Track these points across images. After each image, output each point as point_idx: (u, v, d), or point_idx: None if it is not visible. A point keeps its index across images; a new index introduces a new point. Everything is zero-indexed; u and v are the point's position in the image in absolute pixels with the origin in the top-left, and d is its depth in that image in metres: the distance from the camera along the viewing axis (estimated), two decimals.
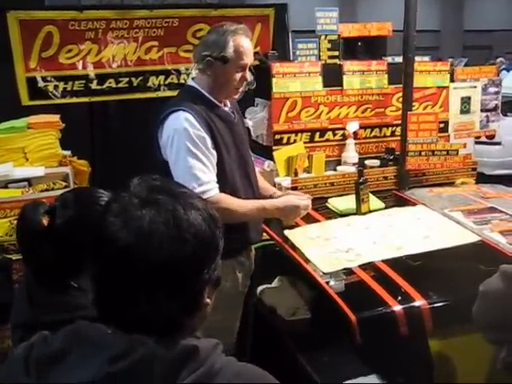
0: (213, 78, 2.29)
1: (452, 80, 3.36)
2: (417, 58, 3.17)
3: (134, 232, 0.91)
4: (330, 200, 2.95)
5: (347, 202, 2.84)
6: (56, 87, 4.22)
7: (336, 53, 3.23)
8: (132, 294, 0.92)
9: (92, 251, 0.96)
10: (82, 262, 1.27)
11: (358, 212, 2.76)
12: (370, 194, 2.83)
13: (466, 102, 3.36)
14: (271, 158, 3.06)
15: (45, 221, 1.46)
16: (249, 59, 2.31)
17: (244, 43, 2.28)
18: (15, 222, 1.59)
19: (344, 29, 3.27)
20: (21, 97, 4.11)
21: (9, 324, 1.53)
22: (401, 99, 3.19)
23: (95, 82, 4.32)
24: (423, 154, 3.11)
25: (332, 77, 3.18)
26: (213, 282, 1.00)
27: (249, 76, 2.34)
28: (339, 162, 3.24)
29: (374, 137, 3.32)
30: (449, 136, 3.35)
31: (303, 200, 2.43)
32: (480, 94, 3.37)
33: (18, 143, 3.04)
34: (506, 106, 4.81)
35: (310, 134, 3.16)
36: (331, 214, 2.82)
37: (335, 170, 3.20)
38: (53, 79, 4.20)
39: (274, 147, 3.07)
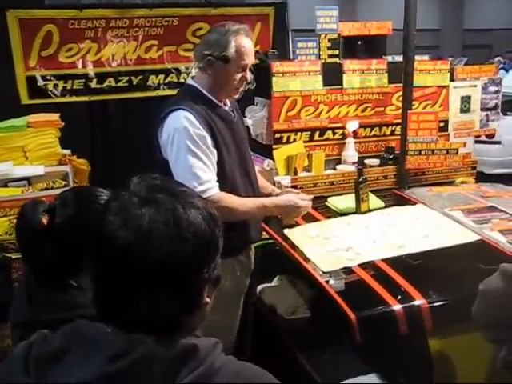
0: (213, 77, 2.29)
1: (452, 79, 3.36)
2: (417, 57, 3.16)
3: (134, 231, 0.91)
4: (329, 199, 2.95)
5: (347, 201, 2.84)
6: (56, 86, 4.21)
7: (336, 52, 3.23)
8: (131, 292, 0.92)
9: (91, 250, 0.96)
10: (82, 261, 1.27)
11: (357, 211, 2.76)
12: (370, 193, 2.83)
13: (465, 100, 3.36)
14: (271, 157, 3.06)
15: (44, 220, 1.46)
16: (250, 60, 2.31)
17: (245, 43, 2.28)
18: (15, 220, 1.59)
19: (344, 28, 3.27)
20: (20, 96, 4.10)
21: (8, 323, 1.53)
22: (401, 98, 3.19)
23: (95, 80, 4.31)
24: (423, 153, 3.11)
25: (332, 76, 3.17)
26: (212, 281, 1.00)
27: (249, 76, 2.35)
28: (339, 161, 3.23)
29: (374, 136, 3.32)
30: (449, 135, 3.35)
31: (304, 200, 2.44)
32: (480, 92, 3.37)
33: (18, 142, 3.04)
34: (505, 105, 4.79)
35: (309, 132, 3.16)
36: (331, 213, 2.82)
37: (335, 169, 3.20)
38: (52, 78, 4.20)
39: (273, 146, 3.07)
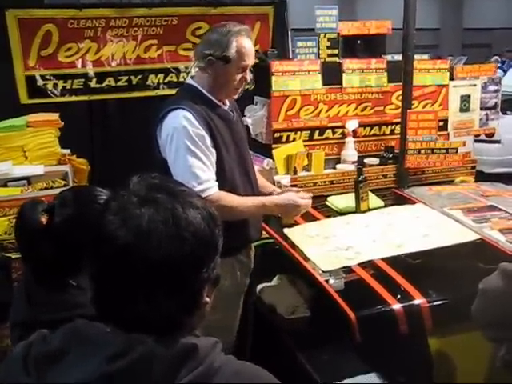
0: (213, 77, 2.29)
1: (451, 78, 3.35)
2: (416, 56, 3.16)
3: (133, 231, 0.91)
4: (329, 198, 2.95)
5: (347, 201, 2.85)
6: (55, 85, 4.21)
7: (335, 51, 3.23)
8: (131, 292, 0.92)
9: (91, 250, 0.96)
10: (81, 261, 1.27)
11: (357, 210, 2.76)
12: (370, 193, 2.83)
13: (465, 100, 3.36)
14: (270, 157, 3.06)
15: (43, 219, 1.45)
16: (250, 60, 2.31)
17: (246, 44, 2.28)
18: (14, 220, 1.59)
19: (343, 27, 3.27)
20: (20, 95, 4.10)
21: (8, 323, 1.53)
22: (400, 97, 3.19)
23: (94, 80, 4.31)
24: (422, 152, 3.11)
25: (331, 75, 3.17)
26: (212, 280, 0.99)
27: (249, 76, 2.35)
28: (338, 161, 3.23)
29: (374, 135, 3.32)
30: (448, 134, 3.35)
31: (303, 198, 2.43)
32: (479, 92, 3.37)
33: (17, 142, 3.04)
34: (505, 104, 4.79)
35: (309, 132, 3.16)
36: (330, 213, 2.83)
37: (334, 168, 3.20)
38: (52, 77, 4.19)
39: (273, 145, 3.07)
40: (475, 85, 3.37)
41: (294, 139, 3.12)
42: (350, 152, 3.20)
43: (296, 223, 2.62)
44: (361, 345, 1.90)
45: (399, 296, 1.98)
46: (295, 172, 3.00)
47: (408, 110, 3.09)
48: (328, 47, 3.21)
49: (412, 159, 3.11)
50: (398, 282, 2.07)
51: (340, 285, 2.13)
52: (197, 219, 0.95)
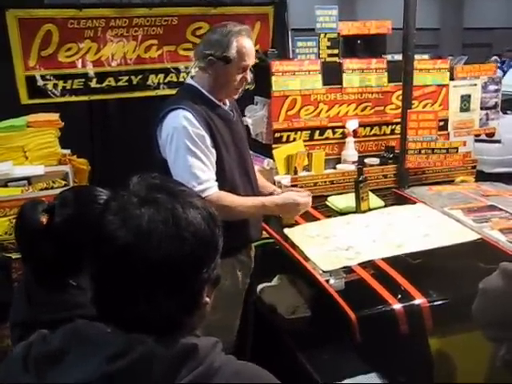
0: (213, 77, 2.28)
1: (452, 78, 3.35)
2: (416, 56, 3.16)
3: (133, 231, 0.91)
4: (329, 198, 2.95)
5: (347, 201, 2.84)
6: (55, 86, 4.21)
7: (335, 51, 3.23)
8: (131, 292, 0.92)
9: (91, 250, 0.96)
10: (81, 261, 1.26)
11: (357, 210, 2.76)
12: (370, 193, 2.83)
13: (465, 99, 3.36)
14: (271, 157, 3.06)
15: (44, 219, 1.46)
16: (250, 61, 2.31)
17: (247, 44, 2.28)
18: (14, 220, 1.59)
19: (343, 27, 3.26)
20: (20, 95, 4.10)
21: (8, 323, 1.53)
22: (400, 97, 3.18)
23: (94, 80, 4.31)
24: (423, 152, 3.11)
25: (331, 75, 3.17)
26: (212, 280, 0.99)
27: (249, 77, 2.35)
28: (339, 161, 3.23)
29: (374, 135, 3.32)
30: (448, 134, 3.35)
31: (303, 197, 2.43)
32: (480, 91, 3.37)
33: (18, 142, 3.04)
34: (505, 104, 4.79)
35: (309, 132, 3.16)
36: (331, 213, 2.82)
37: (335, 168, 3.20)
38: (52, 78, 4.19)
39: (273, 145, 3.07)
40: (475, 84, 3.37)
41: (295, 139, 3.12)
42: (351, 152, 3.20)
43: (296, 223, 2.62)
44: (361, 345, 1.90)
45: (399, 296, 1.98)
46: (295, 172, 3.00)
47: (408, 110, 3.09)
48: (328, 47, 3.21)
49: (412, 159, 3.11)
50: (398, 282, 2.07)
51: (340, 285, 2.12)
52: (197, 219, 0.95)
